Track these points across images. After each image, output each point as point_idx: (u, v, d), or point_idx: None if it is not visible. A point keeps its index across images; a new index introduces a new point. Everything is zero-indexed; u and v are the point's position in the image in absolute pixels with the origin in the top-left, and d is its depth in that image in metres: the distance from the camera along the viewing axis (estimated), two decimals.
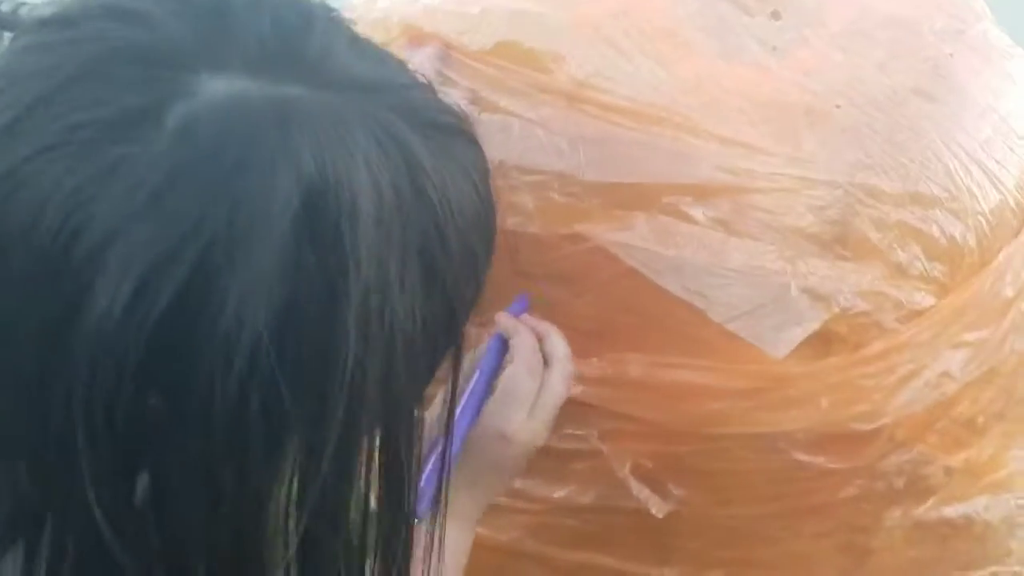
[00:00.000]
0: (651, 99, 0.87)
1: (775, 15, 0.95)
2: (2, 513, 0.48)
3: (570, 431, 0.87)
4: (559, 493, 0.89)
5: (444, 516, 0.61)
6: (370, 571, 0.54)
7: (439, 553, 0.60)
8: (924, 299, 0.87)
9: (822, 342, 0.85)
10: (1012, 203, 0.93)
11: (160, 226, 0.41)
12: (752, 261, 0.85)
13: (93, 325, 0.41)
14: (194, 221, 0.42)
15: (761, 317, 0.84)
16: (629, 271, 0.85)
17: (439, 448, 0.61)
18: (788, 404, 0.84)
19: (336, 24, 0.51)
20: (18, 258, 0.42)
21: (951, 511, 0.90)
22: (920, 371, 0.86)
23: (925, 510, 0.89)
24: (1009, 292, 0.90)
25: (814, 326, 0.85)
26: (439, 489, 0.61)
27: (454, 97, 0.87)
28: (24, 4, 0.50)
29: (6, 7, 0.50)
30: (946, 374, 0.87)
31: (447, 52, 0.91)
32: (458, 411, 0.58)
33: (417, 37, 0.93)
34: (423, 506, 0.61)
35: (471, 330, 0.58)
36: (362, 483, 0.51)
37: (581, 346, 0.85)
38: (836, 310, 0.85)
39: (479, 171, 0.53)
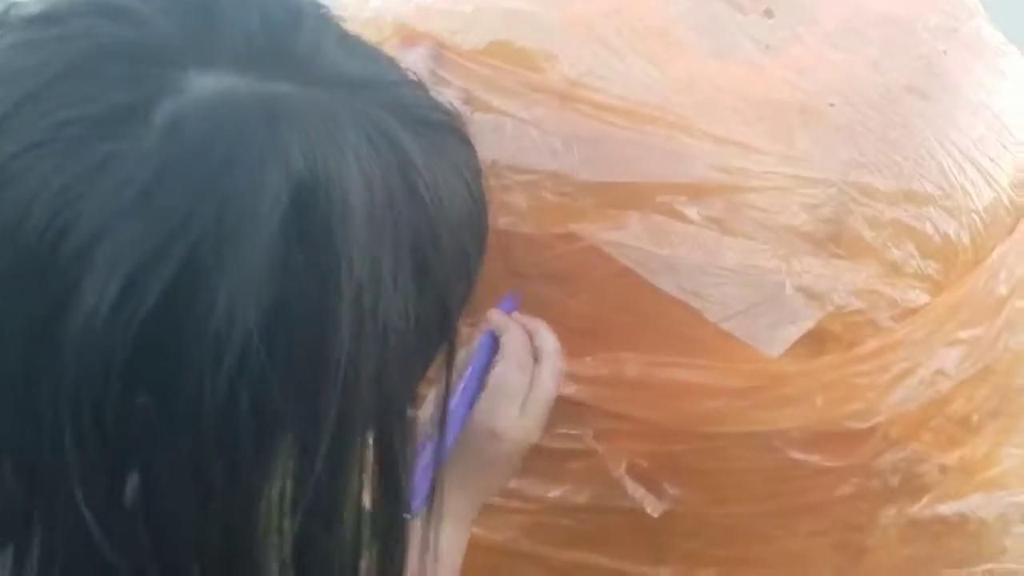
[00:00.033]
0: (644, 98, 0.87)
1: (768, 13, 0.94)
2: None
3: (565, 431, 0.86)
4: (554, 493, 0.89)
5: (438, 515, 0.61)
6: (365, 570, 0.53)
7: (433, 552, 0.60)
8: (918, 297, 0.87)
9: (816, 341, 0.85)
10: (1006, 200, 0.93)
11: (148, 224, 0.41)
12: (746, 260, 0.84)
13: (80, 323, 0.41)
14: (182, 218, 0.41)
15: (756, 316, 0.84)
16: (623, 270, 0.85)
17: (431, 446, 0.61)
18: (783, 403, 0.84)
19: (325, 21, 0.50)
20: (5, 256, 0.42)
21: (946, 509, 0.90)
22: (915, 369, 0.86)
23: (920, 508, 0.89)
24: (1003, 290, 0.90)
25: (809, 325, 0.85)
26: (432, 487, 0.61)
27: (447, 97, 0.87)
28: (16, 4, 0.49)
29: None
30: (940, 372, 0.87)
31: (440, 52, 0.91)
32: (450, 409, 0.58)
33: (410, 36, 0.93)
34: (416, 504, 0.61)
35: (463, 329, 0.58)
36: (356, 482, 0.50)
37: (575, 345, 0.84)
38: (830, 308, 0.85)
39: (471, 169, 0.53)
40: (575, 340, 0.84)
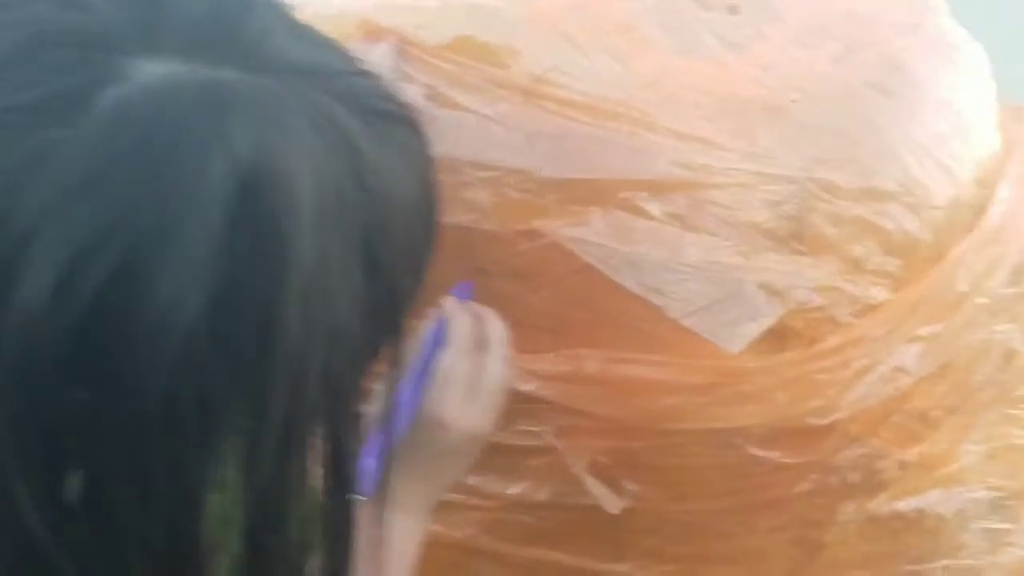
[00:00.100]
0: (608, 94, 0.87)
1: (732, 10, 0.95)
2: None
3: (524, 427, 0.86)
4: (513, 489, 0.89)
5: (387, 503, 0.60)
6: (314, 569, 0.53)
7: (381, 541, 0.59)
8: (879, 293, 0.87)
9: (777, 337, 0.85)
10: (967, 197, 0.93)
11: (87, 213, 0.40)
12: (708, 256, 0.84)
13: (18, 316, 0.40)
14: (123, 207, 0.41)
15: (717, 312, 0.84)
16: (585, 267, 0.85)
17: (379, 439, 0.60)
18: (743, 399, 0.84)
19: (275, 9, 0.50)
20: None
21: (904, 505, 0.90)
22: (874, 366, 0.86)
23: (878, 504, 0.89)
24: (963, 286, 0.90)
25: (770, 321, 0.85)
26: (382, 480, 0.60)
27: (411, 92, 0.86)
28: None
29: None
30: (900, 368, 0.87)
31: (404, 47, 0.90)
32: (397, 398, 0.57)
33: (374, 32, 0.92)
34: (364, 491, 0.60)
35: (413, 322, 0.58)
36: (304, 479, 0.50)
37: (537, 342, 0.84)
38: (792, 305, 0.85)
39: (422, 159, 0.52)
40: (537, 336, 0.84)
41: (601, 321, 0.85)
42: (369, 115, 0.48)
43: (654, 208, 0.85)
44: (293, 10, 0.51)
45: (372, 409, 0.55)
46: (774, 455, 0.85)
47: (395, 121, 0.51)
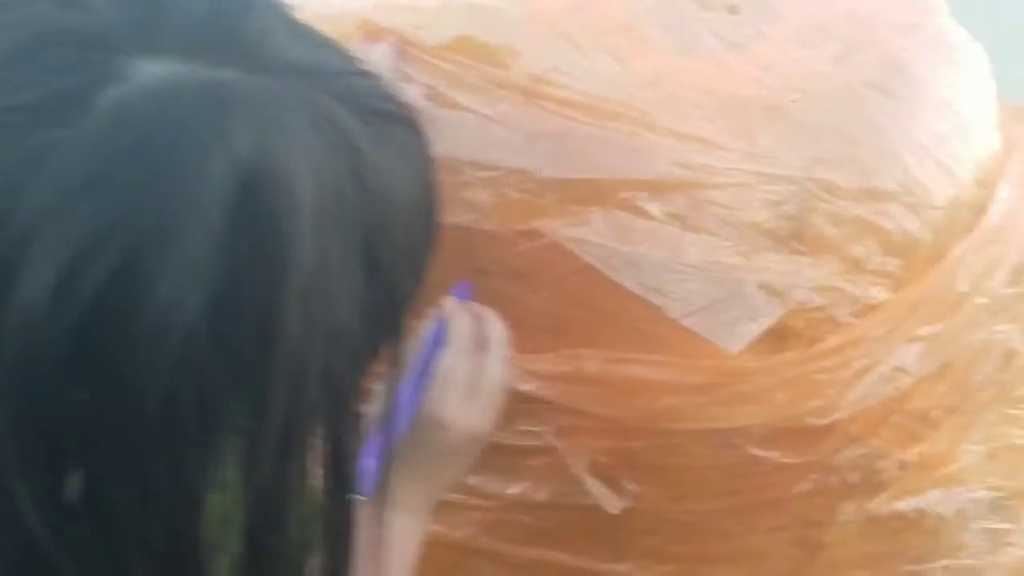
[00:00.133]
0: (608, 94, 0.87)
1: (733, 10, 0.95)
2: None
3: (524, 427, 0.86)
4: (513, 490, 0.89)
5: (388, 503, 0.60)
6: (314, 569, 0.53)
7: (381, 540, 0.59)
8: (879, 293, 0.87)
9: (777, 337, 0.85)
10: (967, 197, 0.93)
11: (86, 213, 0.40)
12: (708, 256, 0.84)
13: (19, 316, 0.40)
14: (124, 208, 0.41)
15: (717, 312, 0.84)
16: (585, 267, 0.85)
17: (379, 439, 0.60)
18: (743, 399, 0.84)
19: (276, 9, 0.50)
20: None
21: (904, 505, 0.91)
22: (874, 366, 0.86)
23: (878, 504, 0.89)
24: (963, 286, 0.90)
25: (770, 321, 0.85)
26: (382, 480, 0.60)
27: (412, 93, 0.86)
28: None
29: None
30: (900, 368, 0.87)
31: (404, 47, 0.90)
32: (397, 399, 0.57)
33: (374, 32, 0.92)
34: (364, 491, 0.60)
35: (413, 322, 0.58)
36: (304, 480, 0.50)
37: (537, 342, 0.84)
38: (792, 305, 0.85)
39: (422, 159, 0.52)
40: (537, 337, 0.84)
41: (601, 321, 0.85)
42: (369, 115, 0.48)
43: (654, 208, 0.85)
44: (293, 10, 0.51)
45: (372, 409, 0.55)
46: (774, 455, 0.85)
47: (395, 121, 0.51)
